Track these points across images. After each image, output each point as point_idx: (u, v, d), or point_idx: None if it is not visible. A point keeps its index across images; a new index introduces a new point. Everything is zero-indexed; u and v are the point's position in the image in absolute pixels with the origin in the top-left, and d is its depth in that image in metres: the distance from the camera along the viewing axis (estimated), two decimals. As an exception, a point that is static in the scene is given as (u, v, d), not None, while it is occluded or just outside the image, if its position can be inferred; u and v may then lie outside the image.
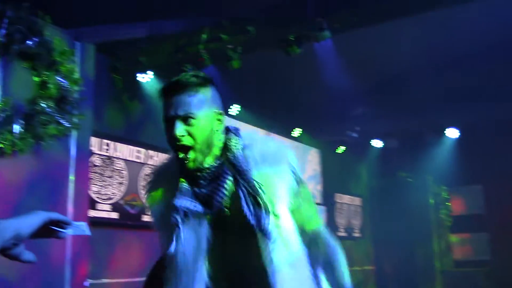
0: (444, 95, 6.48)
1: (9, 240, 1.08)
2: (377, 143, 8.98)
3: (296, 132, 8.09)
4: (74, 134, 3.87)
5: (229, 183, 1.55)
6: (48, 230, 1.19)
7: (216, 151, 1.57)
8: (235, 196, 1.53)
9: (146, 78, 5.55)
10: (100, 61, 4.59)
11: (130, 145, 5.47)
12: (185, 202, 1.54)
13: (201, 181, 1.56)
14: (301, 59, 4.79)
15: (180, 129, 1.51)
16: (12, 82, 3.51)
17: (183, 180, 1.58)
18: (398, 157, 9.18)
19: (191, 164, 1.53)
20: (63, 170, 3.77)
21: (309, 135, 8.35)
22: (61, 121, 3.61)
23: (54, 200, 3.69)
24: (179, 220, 1.52)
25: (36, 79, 3.61)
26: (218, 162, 1.57)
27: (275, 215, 1.53)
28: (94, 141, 4.79)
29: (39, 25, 3.52)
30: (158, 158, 5.75)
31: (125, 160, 5.36)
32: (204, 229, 1.53)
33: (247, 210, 1.50)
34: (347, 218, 9.35)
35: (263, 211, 1.50)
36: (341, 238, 7.67)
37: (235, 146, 1.58)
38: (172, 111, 1.53)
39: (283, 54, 4.65)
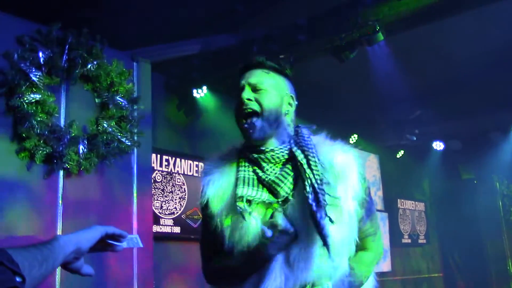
0: (509, 92, 6.21)
1: (70, 254, 1.12)
2: (438, 145, 8.69)
3: (353, 138, 7.98)
4: (135, 151, 3.98)
5: (293, 170, 1.51)
6: (104, 244, 1.22)
7: (284, 135, 1.58)
8: (299, 184, 1.49)
9: (201, 93, 5.65)
10: (156, 79, 4.71)
11: (189, 159, 5.56)
12: (248, 189, 1.50)
13: (264, 164, 1.54)
14: (354, 64, 4.73)
15: (248, 93, 1.56)
16: (75, 104, 3.66)
17: (245, 164, 1.55)
18: (462, 158, 8.85)
19: (256, 134, 1.53)
20: (127, 187, 3.88)
21: (366, 140, 8.21)
22: (123, 139, 3.72)
23: (119, 217, 3.79)
24: (245, 209, 1.47)
25: (97, 100, 3.74)
26: (284, 146, 1.56)
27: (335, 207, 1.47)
28: (154, 158, 4.90)
29: (97, 48, 3.66)
30: (217, 171, 5.80)
31: (185, 175, 5.46)
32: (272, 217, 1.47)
33: (312, 200, 1.43)
34: (411, 224, 9.09)
35: (322, 204, 1.43)
36: (405, 245, 7.41)
37: (307, 135, 1.61)
38: (244, 80, 1.60)
39: (335, 61, 4.61)
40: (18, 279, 0.88)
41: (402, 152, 8.73)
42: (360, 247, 1.65)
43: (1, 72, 3.24)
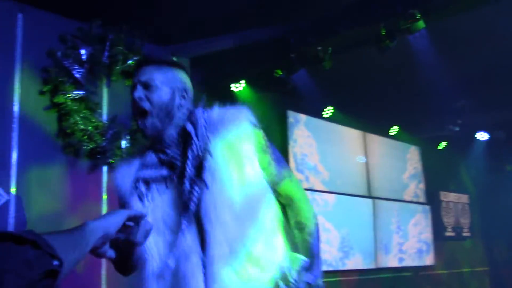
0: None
1: (99, 239, 1.14)
2: (482, 136, 8.45)
3: (393, 130, 7.85)
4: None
5: (185, 145, 1.60)
6: (125, 226, 1.25)
7: (179, 122, 1.63)
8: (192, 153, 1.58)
9: (239, 87, 5.66)
10: (194, 74, 4.74)
11: (228, 154, 5.57)
12: (148, 172, 1.62)
13: (166, 149, 1.63)
14: (394, 54, 4.64)
15: (139, 91, 1.60)
16: (116, 100, 3.72)
17: (150, 154, 1.65)
18: (507, 149, 8.58)
19: (149, 132, 1.60)
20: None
21: (407, 132, 8.06)
22: (163, 134, 3.76)
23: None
24: (143, 189, 1.60)
25: (138, 95, 3.79)
26: (179, 129, 1.62)
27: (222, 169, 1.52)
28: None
29: (138, 44, 3.70)
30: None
31: (224, 169, 5.48)
32: (171, 190, 1.59)
33: (189, 167, 1.54)
34: (454, 217, 8.88)
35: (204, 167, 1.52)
36: (449, 239, 7.24)
37: (199, 113, 1.65)
38: (135, 78, 1.64)
39: (374, 51, 4.53)
40: (55, 262, 0.89)
41: (444, 143, 8.53)
42: (280, 195, 1.67)
43: (45, 70, 3.32)
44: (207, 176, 1.52)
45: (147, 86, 1.60)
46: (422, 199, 8.31)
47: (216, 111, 1.67)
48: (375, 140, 7.69)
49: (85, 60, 3.42)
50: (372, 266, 7.11)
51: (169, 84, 1.63)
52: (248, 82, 5.67)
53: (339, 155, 7.01)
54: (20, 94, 3.24)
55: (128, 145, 3.56)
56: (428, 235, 8.25)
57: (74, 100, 3.32)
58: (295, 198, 1.67)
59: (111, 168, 3.59)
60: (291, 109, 6.43)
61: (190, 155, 1.57)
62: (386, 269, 7.40)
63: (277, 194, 1.64)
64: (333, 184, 6.78)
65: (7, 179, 3.11)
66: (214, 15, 4.31)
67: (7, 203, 3.04)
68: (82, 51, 3.41)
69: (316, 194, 6.46)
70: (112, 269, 3.47)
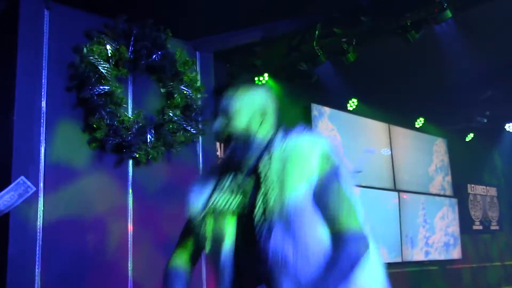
0: None
1: None
2: (511, 127, 8.28)
3: (419, 122, 7.75)
4: (200, 140, 4.04)
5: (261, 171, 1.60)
6: None
7: (258, 148, 1.63)
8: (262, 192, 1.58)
9: (262, 81, 5.65)
10: (218, 68, 4.75)
11: (252, 147, 5.58)
12: (220, 198, 1.64)
13: (240, 176, 1.63)
14: (420, 45, 4.57)
15: (218, 123, 1.63)
16: (141, 95, 3.75)
17: (225, 176, 1.67)
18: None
19: (231, 159, 1.65)
20: (193, 174, 3.94)
21: (433, 124, 7.94)
22: (188, 128, 3.78)
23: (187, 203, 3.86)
24: (213, 216, 1.63)
25: (163, 90, 3.81)
26: (257, 156, 1.63)
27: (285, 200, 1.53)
28: (218, 146, 4.96)
29: (162, 39, 3.72)
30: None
31: (249, 162, 5.49)
32: (240, 220, 1.60)
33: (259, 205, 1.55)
34: (482, 210, 8.73)
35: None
36: (477, 232, 7.14)
37: (278, 141, 1.64)
38: (218, 107, 1.66)
39: (399, 42, 4.47)
40: None
41: (471, 135, 8.39)
42: (334, 226, 1.61)
43: (72, 66, 3.36)
44: (276, 216, 1.53)
45: (226, 114, 1.63)
46: (449, 192, 8.19)
47: (294, 146, 1.62)
48: (400, 133, 7.60)
49: (110, 55, 3.45)
50: (397, 259, 7.05)
51: (247, 109, 1.64)
52: (271, 75, 5.65)
53: (364, 148, 6.95)
54: (48, 90, 3.29)
55: (153, 139, 3.58)
56: (455, 228, 8.14)
57: (99, 95, 3.36)
58: (342, 246, 1.59)
59: (136, 162, 3.63)
60: (315, 102, 6.39)
61: (261, 197, 1.57)
62: (412, 263, 7.33)
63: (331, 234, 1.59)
64: (358, 177, 6.71)
65: (36, 174, 3.17)
66: (238, 9, 4.30)
67: (36, 197, 3.10)
68: (108, 47, 3.44)
69: (341, 187, 6.41)
70: (139, 262, 3.52)
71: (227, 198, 1.64)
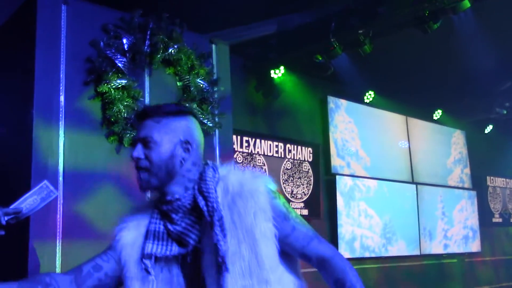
0: None
1: None
2: (531, 119, 8.15)
3: (437, 114, 7.67)
4: (217, 133, 4.04)
5: (200, 218, 1.50)
6: None
7: (185, 181, 1.54)
8: (207, 233, 1.48)
9: (278, 73, 5.64)
10: (234, 61, 4.75)
11: (269, 140, 5.58)
12: (156, 246, 1.53)
13: (173, 215, 1.53)
14: (438, 35, 4.51)
15: (137, 150, 1.54)
16: (158, 88, 3.76)
17: (156, 216, 1.56)
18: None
19: (144, 187, 1.55)
20: (210, 168, 3.95)
21: (451, 116, 7.85)
22: (205, 121, 3.78)
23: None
24: (150, 267, 1.51)
25: (179, 83, 3.82)
26: (189, 193, 1.53)
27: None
28: (234, 139, 4.97)
29: (177, 32, 3.72)
30: (296, 151, 5.80)
31: (265, 155, 5.49)
32: (178, 270, 1.52)
33: (220, 247, 1.44)
34: (502, 203, 8.63)
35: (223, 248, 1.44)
36: (496, 225, 7.06)
37: (210, 179, 1.53)
38: (136, 135, 1.57)
39: (417, 33, 4.41)
40: None
41: (490, 127, 8.28)
42: (311, 258, 1.55)
43: (89, 60, 3.38)
44: (226, 259, 1.44)
45: (145, 144, 1.54)
46: (467, 184, 8.11)
47: (232, 177, 1.55)
48: (418, 125, 7.54)
49: (127, 49, 3.46)
50: (416, 252, 7.01)
51: (169, 140, 1.53)
52: (287, 68, 5.64)
53: (381, 140, 6.91)
54: (66, 84, 3.32)
55: (170, 132, 3.60)
56: (474, 221, 8.06)
57: (117, 89, 3.37)
58: (327, 257, 1.53)
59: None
60: (331, 94, 6.36)
61: (205, 239, 1.49)
62: (430, 256, 7.27)
63: (307, 258, 1.54)
64: (375, 169, 6.69)
65: (55, 168, 3.21)
66: (253, 1, 4.29)
67: (56, 188, 3.13)
68: (124, 41, 3.45)
69: (358, 180, 6.39)
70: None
71: (166, 246, 1.52)
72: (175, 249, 1.52)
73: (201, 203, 1.49)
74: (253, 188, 1.51)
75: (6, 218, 1.67)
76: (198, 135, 1.60)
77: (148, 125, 1.54)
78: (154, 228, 1.55)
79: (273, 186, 1.58)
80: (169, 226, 1.53)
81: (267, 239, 1.48)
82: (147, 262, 1.51)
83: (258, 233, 1.47)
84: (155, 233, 1.54)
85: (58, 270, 3.04)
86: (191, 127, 1.58)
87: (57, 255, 3.11)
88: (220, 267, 1.44)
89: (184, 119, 1.57)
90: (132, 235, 1.60)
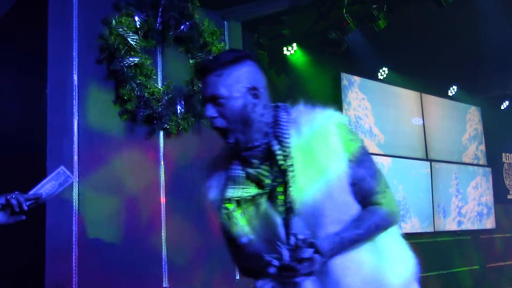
0: None
1: None
2: (548, 94, 8.03)
3: (452, 90, 7.58)
4: (229, 110, 4.04)
5: (280, 160, 1.52)
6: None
7: (263, 127, 1.54)
8: (282, 176, 1.51)
9: (291, 50, 5.59)
10: (246, 38, 4.71)
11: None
12: (236, 191, 1.57)
13: (254, 160, 1.56)
14: (453, 9, 4.43)
15: (210, 110, 1.52)
16: (171, 66, 3.76)
17: (235, 162, 1.59)
18: None
19: (236, 146, 1.53)
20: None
21: (466, 92, 7.75)
22: (217, 98, 3.78)
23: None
24: (230, 210, 1.57)
25: (191, 61, 3.81)
26: (268, 138, 1.54)
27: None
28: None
29: (189, 9, 3.70)
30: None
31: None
32: (263, 209, 1.54)
33: (289, 192, 1.48)
34: (517, 179, 8.56)
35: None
36: (511, 202, 6.97)
37: (284, 123, 1.55)
38: (204, 94, 1.55)
39: (432, 7, 4.34)
40: None
41: (507, 102, 8.17)
42: (365, 201, 1.57)
43: (102, 38, 3.38)
44: (294, 194, 1.48)
45: (215, 101, 1.52)
46: (482, 161, 8.04)
47: (304, 118, 1.56)
48: (433, 101, 7.46)
49: (139, 27, 3.46)
50: (429, 229, 7.00)
51: (237, 89, 1.51)
52: (300, 45, 5.59)
53: (395, 117, 6.85)
54: (79, 62, 3.33)
55: (183, 110, 3.60)
56: (489, 198, 8.01)
57: (129, 67, 3.38)
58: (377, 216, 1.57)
59: (167, 133, 3.66)
60: (344, 71, 6.30)
61: (279, 175, 1.52)
62: (444, 233, 7.26)
63: (362, 206, 1.56)
64: (389, 147, 6.65)
65: (70, 146, 3.24)
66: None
67: (71, 169, 3.16)
68: (136, 18, 3.45)
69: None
70: (172, 233, 3.56)
71: (244, 188, 1.57)
72: (253, 190, 1.56)
73: (276, 147, 1.52)
74: (325, 128, 1.52)
75: (27, 203, 1.71)
76: (262, 78, 1.59)
77: (211, 82, 1.52)
78: (233, 177, 1.59)
79: (349, 124, 1.58)
80: (249, 170, 1.57)
81: (339, 180, 1.50)
82: (229, 206, 1.58)
83: (331, 174, 1.49)
84: (235, 179, 1.59)
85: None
86: (253, 71, 1.56)
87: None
88: (291, 209, 1.48)
89: (244, 65, 1.55)
90: (215, 190, 1.66)
